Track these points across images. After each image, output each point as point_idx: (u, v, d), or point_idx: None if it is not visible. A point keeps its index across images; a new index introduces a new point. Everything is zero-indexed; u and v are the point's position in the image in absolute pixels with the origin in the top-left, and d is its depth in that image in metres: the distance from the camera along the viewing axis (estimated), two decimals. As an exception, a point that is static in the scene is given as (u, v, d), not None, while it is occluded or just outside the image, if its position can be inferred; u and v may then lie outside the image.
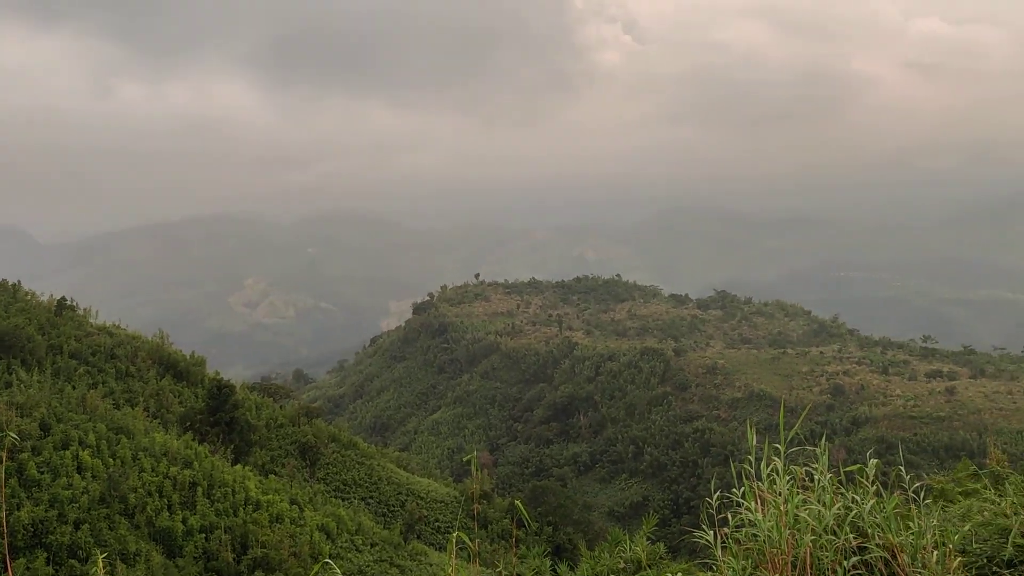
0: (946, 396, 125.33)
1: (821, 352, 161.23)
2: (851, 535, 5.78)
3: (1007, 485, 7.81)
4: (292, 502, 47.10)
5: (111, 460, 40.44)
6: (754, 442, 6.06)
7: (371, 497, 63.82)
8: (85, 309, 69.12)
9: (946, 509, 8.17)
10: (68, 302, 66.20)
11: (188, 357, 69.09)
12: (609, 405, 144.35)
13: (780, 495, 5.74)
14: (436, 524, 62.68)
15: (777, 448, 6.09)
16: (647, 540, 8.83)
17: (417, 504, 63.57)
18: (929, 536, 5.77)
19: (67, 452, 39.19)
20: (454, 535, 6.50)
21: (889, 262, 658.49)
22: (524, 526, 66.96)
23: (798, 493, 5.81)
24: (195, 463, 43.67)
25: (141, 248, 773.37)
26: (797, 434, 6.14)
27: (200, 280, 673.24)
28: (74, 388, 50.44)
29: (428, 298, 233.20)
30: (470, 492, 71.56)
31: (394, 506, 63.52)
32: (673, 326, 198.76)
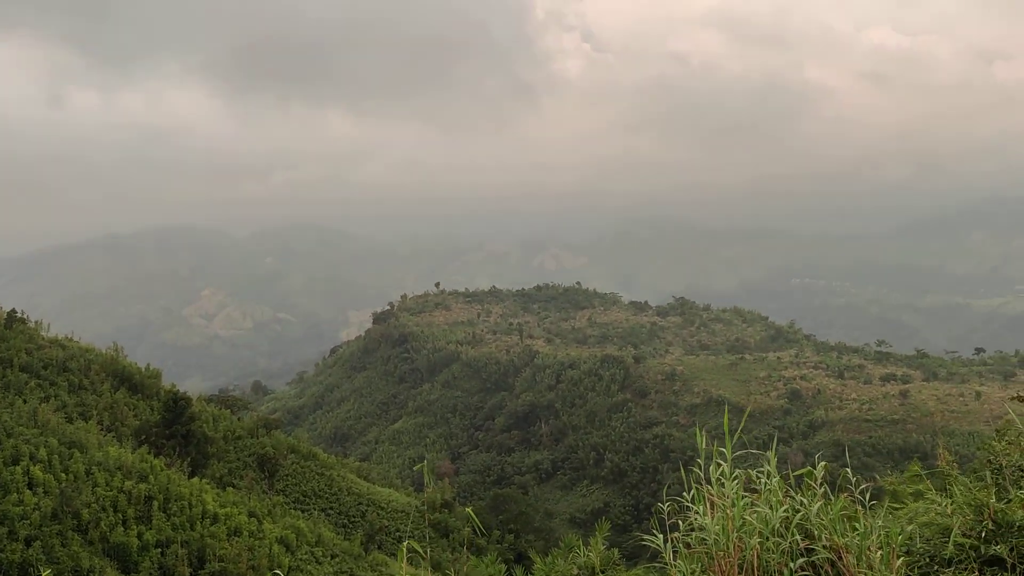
0: (900, 399, 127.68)
1: (778, 357, 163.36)
2: (798, 537, 5.92)
3: (954, 486, 8.00)
4: (250, 515, 46.53)
5: (63, 475, 39.65)
6: (704, 446, 6.18)
7: (331, 508, 63.30)
8: (36, 322, 67.69)
9: (894, 511, 8.36)
10: (18, 314, 64.83)
11: (143, 370, 68.00)
12: (570, 412, 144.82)
13: (728, 499, 5.86)
14: (397, 534, 62.35)
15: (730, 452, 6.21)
16: (603, 546, 8.92)
17: (378, 514, 63.20)
18: (874, 537, 5.92)
19: (17, 467, 38.34)
20: (404, 544, 6.54)
21: (843, 270, 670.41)
22: (486, 535, 66.87)
23: (744, 496, 5.94)
24: (150, 477, 42.95)
25: (94, 260, 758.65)
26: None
27: (155, 292, 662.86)
28: (25, 402, 49.37)
29: (388, 308, 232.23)
30: (431, 501, 71.36)
31: (354, 517, 63.07)
32: (633, 333, 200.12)
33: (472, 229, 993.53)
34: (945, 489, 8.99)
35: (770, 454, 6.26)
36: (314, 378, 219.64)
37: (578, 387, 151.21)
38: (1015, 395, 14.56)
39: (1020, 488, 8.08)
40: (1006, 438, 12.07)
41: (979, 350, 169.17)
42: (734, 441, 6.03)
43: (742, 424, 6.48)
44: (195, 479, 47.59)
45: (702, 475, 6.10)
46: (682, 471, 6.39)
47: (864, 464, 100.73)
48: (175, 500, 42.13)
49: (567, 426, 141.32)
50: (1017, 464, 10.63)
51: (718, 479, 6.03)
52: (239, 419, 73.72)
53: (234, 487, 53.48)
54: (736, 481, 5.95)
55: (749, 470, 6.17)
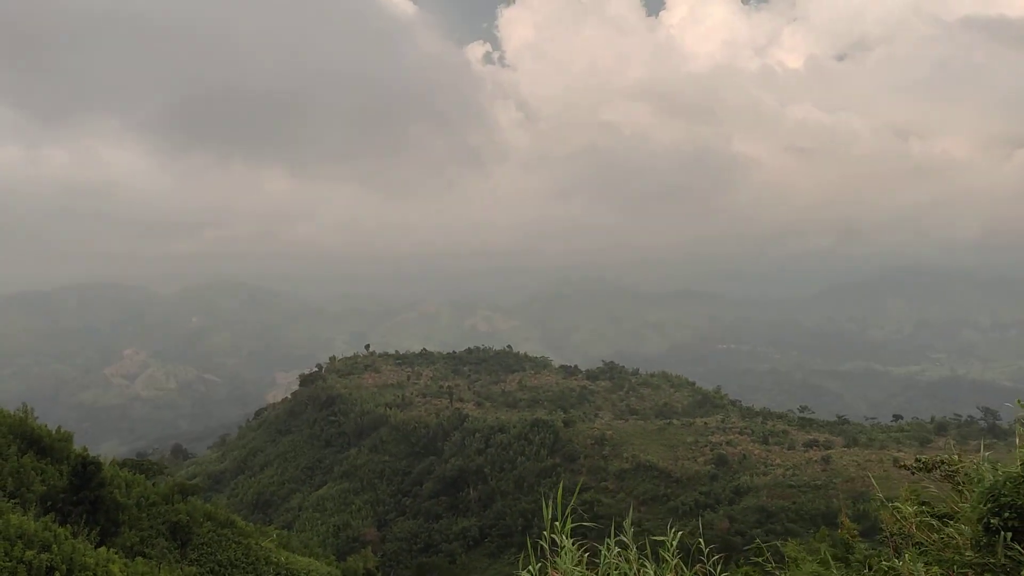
0: (822, 465, 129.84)
1: (705, 423, 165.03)
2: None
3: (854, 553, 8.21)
4: (160, 586, 44.73)
5: (-41, 545, 37.74)
6: (549, 518, 6.29)
7: (247, 578, 61.19)
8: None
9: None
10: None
11: (53, 432, 65.40)
12: (499, 477, 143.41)
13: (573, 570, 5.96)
14: (316, 605, 60.53)
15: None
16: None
17: (296, 585, 61.26)
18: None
19: (-91, 538, 36.39)
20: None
21: (768, 334, 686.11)
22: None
23: (579, 570, 6.04)
24: (54, 546, 41.06)
25: (11, 316, 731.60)
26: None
27: (75, 351, 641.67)
28: (-78, 467, 47.06)
29: (316, 369, 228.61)
30: (353, 570, 69.64)
31: (272, 587, 61.02)
32: (563, 397, 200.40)
33: (404, 290, 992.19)
34: (847, 556, 9.23)
35: (626, 521, 6.39)
36: (237, 441, 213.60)
37: (507, 451, 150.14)
38: (901, 463, 14.99)
39: (904, 556, 8.33)
40: (892, 505, 12.41)
41: (897, 416, 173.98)
42: (567, 513, 6.16)
43: (574, 497, 6.61)
44: (102, 548, 45.66)
45: (548, 548, 6.20)
46: (528, 544, 6.47)
47: (788, 530, 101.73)
48: (79, 571, 40.32)
49: (496, 491, 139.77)
50: (899, 532, 11.00)
51: (563, 552, 6.14)
52: (154, 484, 71.21)
53: (145, 556, 51.46)
54: (567, 553, 6.06)
55: (609, 540, 6.27)
